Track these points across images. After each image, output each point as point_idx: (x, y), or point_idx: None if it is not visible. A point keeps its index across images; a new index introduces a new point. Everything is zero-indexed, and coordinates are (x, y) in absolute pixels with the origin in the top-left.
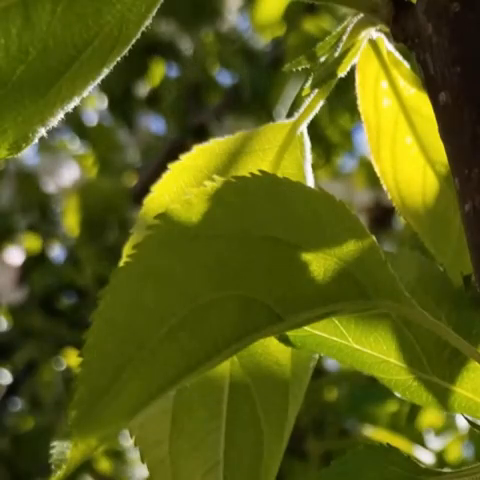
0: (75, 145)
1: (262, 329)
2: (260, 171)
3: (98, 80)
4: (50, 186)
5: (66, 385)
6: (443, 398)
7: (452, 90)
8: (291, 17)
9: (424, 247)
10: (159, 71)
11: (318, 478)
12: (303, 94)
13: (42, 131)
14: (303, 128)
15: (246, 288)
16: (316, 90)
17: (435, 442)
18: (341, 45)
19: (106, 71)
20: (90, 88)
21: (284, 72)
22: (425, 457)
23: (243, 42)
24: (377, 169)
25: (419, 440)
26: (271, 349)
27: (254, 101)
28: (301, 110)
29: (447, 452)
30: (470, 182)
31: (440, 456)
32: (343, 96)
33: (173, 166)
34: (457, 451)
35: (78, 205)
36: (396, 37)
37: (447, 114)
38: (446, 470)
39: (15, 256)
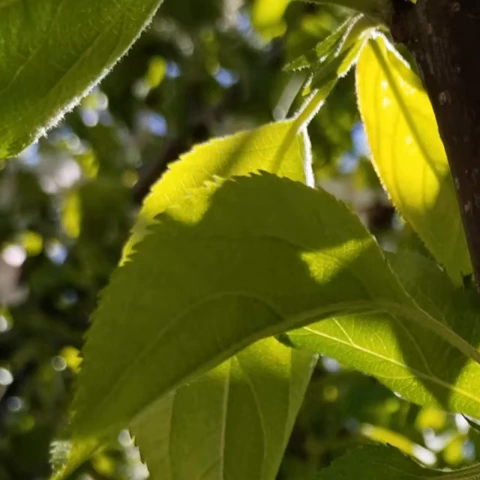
0: (75, 145)
1: (262, 329)
2: (260, 171)
3: (98, 80)
4: (50, 186)
5: (66, 385)
6: (443, 398)
7: (452, 90)
8: (291, 17)
9: (424, 247)
10: (159, 71)
11: (318, 478)
12: (303, 94)
13: (42, 131)
14: (303, 128)
15: (246, 288)
16: (316, 90)
17: (435, 442)
18: (341, 45)
19: (106, 71)
20: (90, 88)
21: (284, 72)
22: (425, 457)
23: (243, 42)
24: (377, 169)
25: (419, 440)
26: (271, 349)
27: (254, 101)
28: (301, 110)
29: (447, 452)
30: (470, 182)
31: (440, 456)
32: (343, 96)
33: (173, 166)
34: (457, 451)
35: (78, 205)
36: (396, 37)
37: (447, 114)
38: (446, 470)
39: (15, 256)
